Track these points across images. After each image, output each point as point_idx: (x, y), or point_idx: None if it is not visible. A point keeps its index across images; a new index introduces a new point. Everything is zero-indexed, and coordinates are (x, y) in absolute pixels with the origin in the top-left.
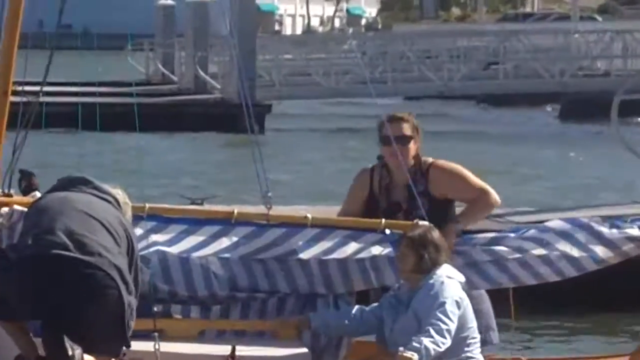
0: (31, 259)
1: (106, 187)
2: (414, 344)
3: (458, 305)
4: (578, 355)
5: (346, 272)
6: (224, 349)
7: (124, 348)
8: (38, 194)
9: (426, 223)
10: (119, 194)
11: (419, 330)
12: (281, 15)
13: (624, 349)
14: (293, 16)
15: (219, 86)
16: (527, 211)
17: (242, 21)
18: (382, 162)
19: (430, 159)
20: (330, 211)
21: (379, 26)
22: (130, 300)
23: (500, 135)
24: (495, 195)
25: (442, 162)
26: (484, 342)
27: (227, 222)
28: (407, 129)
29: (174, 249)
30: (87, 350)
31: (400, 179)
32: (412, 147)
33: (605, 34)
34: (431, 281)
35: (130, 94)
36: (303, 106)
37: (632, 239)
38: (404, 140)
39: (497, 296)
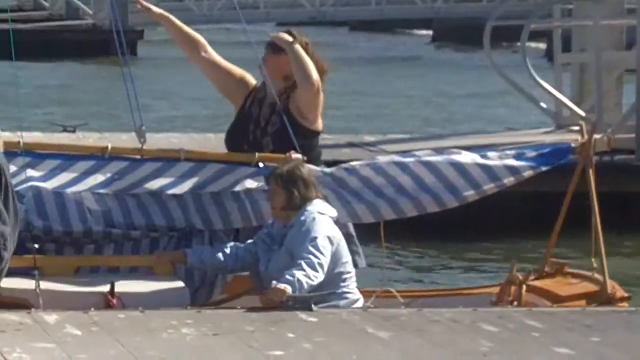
0: None
1: None
2: (287, 277)
3: (331, 241)
4: (449, 288)
5: (222, 206)
6: (103, 287)
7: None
8: None
9: (299, 157)
10: None
11: (293, 266)
12: None
13: (496, 280)
14: None
15: (91, 12)
16: (402, 139)
17: None
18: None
19: None
20: (202, 139)
21: None
22: (4, 231)
23: (372, 61)
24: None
25: None
26: (355, 265)
27: (101, 158)
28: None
29: (49, 185)
30: None
31: (270, 94)
32: (282, 61)
33: None
34: (303, 218)
35: (5, 20)
36: None
37: (510, 169)
38: (273, 48)
39: (369, 228)
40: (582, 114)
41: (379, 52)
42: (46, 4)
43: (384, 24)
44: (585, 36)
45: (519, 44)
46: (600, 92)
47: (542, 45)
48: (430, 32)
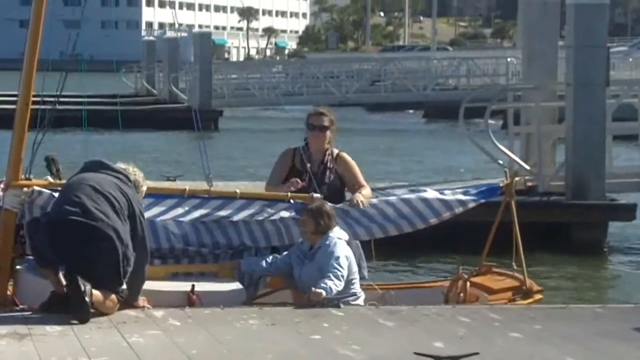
0: (56, 223)
1: (118, 166)
2: (322, 284)
3: (347, 258)
4: (413, 282)
5: (265, 229)
6: (185, 287)
7: (123, 286)
8: (50, 178)
9: (319, 196)
10: (129, 170)
11: (321, 276)
12: (229, 47)
13: (446, 277)
14: (237, 48)
15: (186, 97)
16: (401, 185)
17: (202, 52)
18: (306, 142)
19: (336, 150)
20: (258, 185)
21: (303, 55)
22: (126, 252)
23: (381, 132)
24: (369, 190)
25: (345, 154)
26: (361, 278)
27: (181, 196)
28: (325, 121)
29: (145, 215)
30: (94, 286)
31: (317, 156)
32: (328, 135)
33: (454, 60)
34: (327, 242)
35: (117, 103)
36: (244, 111)
37: (459, 201)
38: (322, 129)
39: (365, 243)
40: (528, 168)
41: (386, 125)
42: (155, 91)
43: (390, 105)
44: (530, 114)
45: (483, 119)
46: (540, 153)
47: (499, 121)
48: (422, 111)
